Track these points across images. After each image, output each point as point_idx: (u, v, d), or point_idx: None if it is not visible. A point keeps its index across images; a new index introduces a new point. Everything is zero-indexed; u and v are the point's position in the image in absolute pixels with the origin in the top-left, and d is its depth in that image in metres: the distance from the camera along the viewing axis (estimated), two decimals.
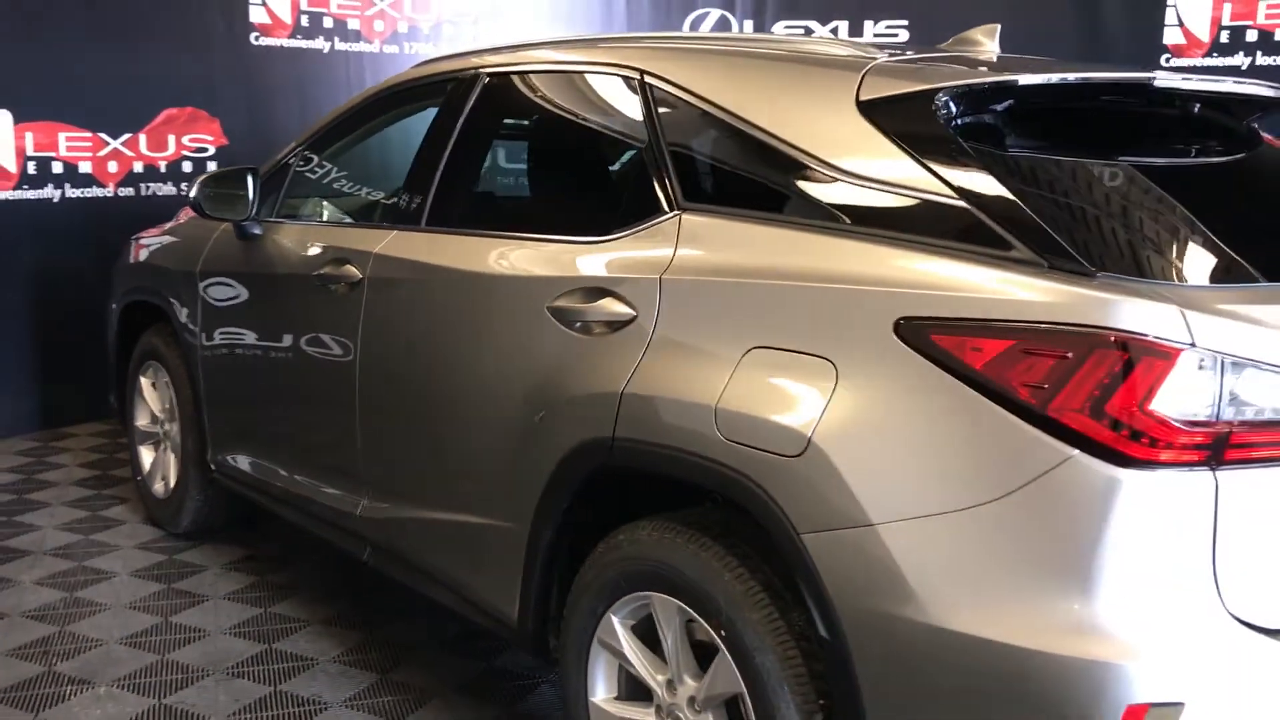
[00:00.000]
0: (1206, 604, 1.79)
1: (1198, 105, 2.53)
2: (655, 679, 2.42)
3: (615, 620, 2.46)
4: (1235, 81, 2.42)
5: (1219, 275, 1.99)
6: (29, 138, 5.76)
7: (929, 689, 1.91)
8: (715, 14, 7.39)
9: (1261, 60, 6.00)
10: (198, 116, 6.37)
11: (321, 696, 3.26)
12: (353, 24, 6.80)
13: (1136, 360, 1.75)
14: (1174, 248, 2.05)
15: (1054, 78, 2.24)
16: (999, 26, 2.76)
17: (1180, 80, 2.33)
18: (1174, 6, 6.29)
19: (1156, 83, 2.28)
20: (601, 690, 2.54)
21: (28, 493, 5.03)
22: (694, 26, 7.40)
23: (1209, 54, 6.18)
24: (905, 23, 7.06)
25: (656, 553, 2.33)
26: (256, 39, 6.49)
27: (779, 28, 7.31)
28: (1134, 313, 1.77)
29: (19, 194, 5.79)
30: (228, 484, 4.07)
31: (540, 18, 7.21)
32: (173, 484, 4.40)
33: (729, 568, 2.20)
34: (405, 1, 6.96)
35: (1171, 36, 6.37)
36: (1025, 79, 2.20)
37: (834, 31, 7.24)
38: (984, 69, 2.41)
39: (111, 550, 4.35)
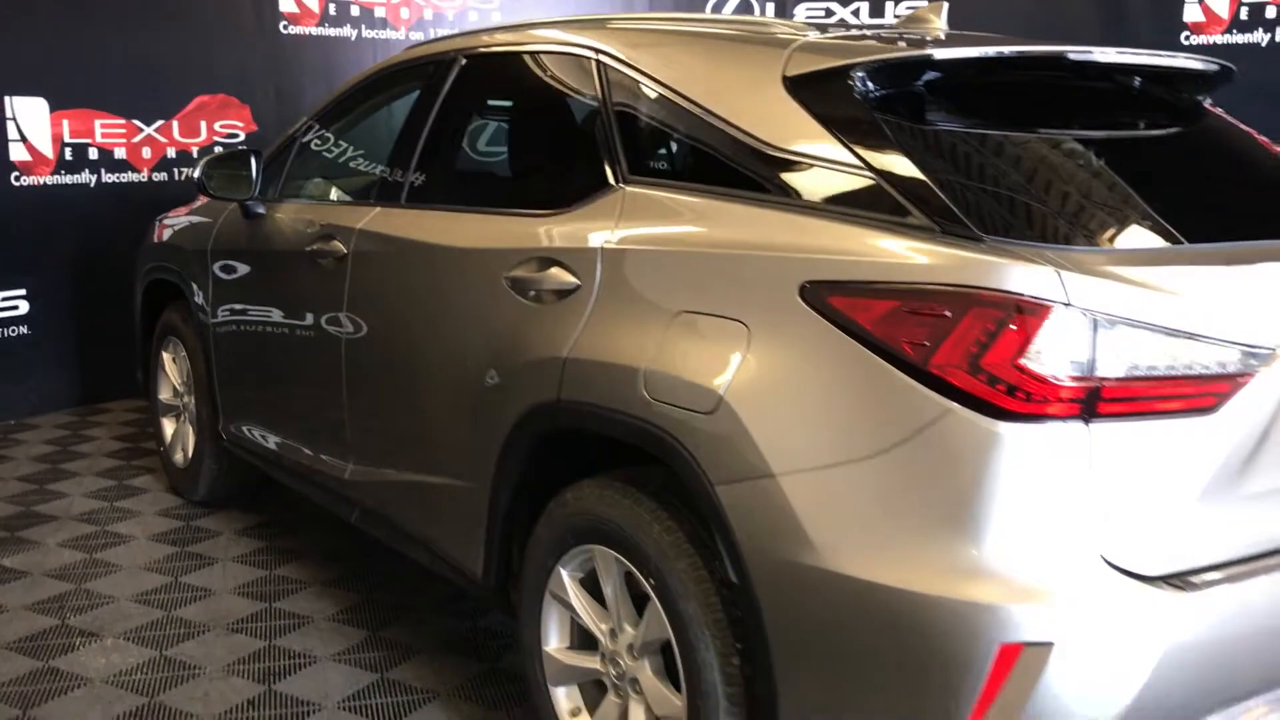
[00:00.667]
0: (1081, 550, 1.88)
1: (1136, 79, 2.62)
2: (600, 628, 2.55)
3: (564, 573, 2.59)
4: (1152, 54, 2.48)
5: (1106, 240, 2.08)
6: (65, 124, 6.01)
7: (826, 629, 2.02)
8: None
9: None
10: (229, 103, 6.59)
11: (312, 651, 3.44)
12: (379, 12, 6.98)
13: (1009, 318, 1.85)
14: (1067, 214, 2.13)
15: (967, 52, 2.33)
16: (946, 4, 2.84)
17: (1101, 54, 2.40)
18: None
19: (1071, 56, 2.35)
20: (554, 640, 2.68)
21: (61, 463, 5.29)
22: (716, 9, 7.49)
23: (1228, 31, 6.16)
24: (926, 4, 7.07)
25: (597, 508, 2.46)
26: (285, 28, 6.70)
27: (800, 10, 7.38)
28: (1009, 273, 1.86)
29: (57, 179, 6.04)
30: (237, 452, 4.27)
31: (562, 3, 7.34)
32: (190, 454, 4.62)
33: (659, 520, 2.32)
34: None
35: (1191, 14, 6.34)
36: (938, 53, 2.29)
37: (855, 14, 7.29)
38: (915, 45, 2.49)
39: (133, 516, 4.58)
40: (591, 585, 2.58)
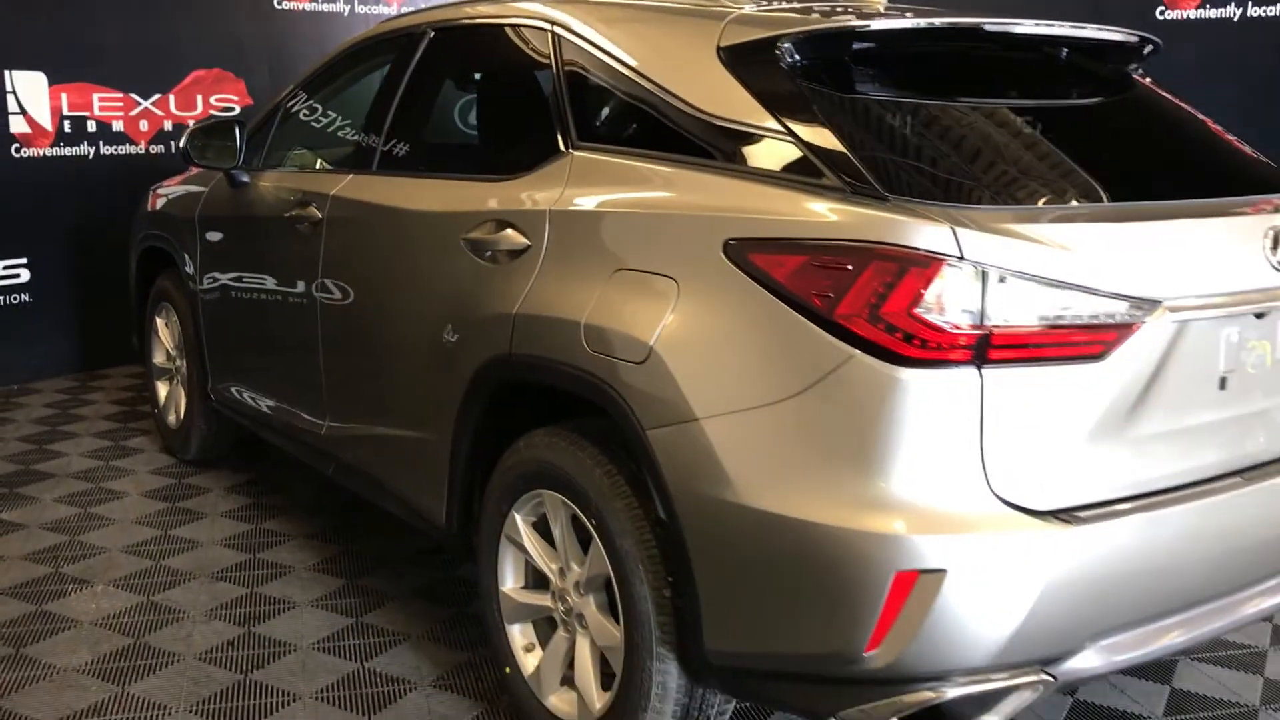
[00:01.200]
0: (973, 486, 2.04)
1: (1062, 51, 2.76)
2: (550, 568, 2.72)
3: (518, 517, 2.76)
4: (1071, 26, 2.61)
5: (1008, 200, 2.22)
6: (64, 98, 6.17)
7: (745, 561, 2.19)
8: None
9: (1253, 11, 6.07)
10: (224, 77, 6.75)
11: (292, 597, 3.62)
12: None
13: (905, 271, 2.00)
14: (972, 176, 2.27)
15: (885, 24, 2.47)
16: None
17: (1018, 26, 2.53)
18: None
19: (988, 28, 2.49)
20: (510, 580, 2.85)
21: (61, 425, 5.48)
22: None
23: (1202, 6, 6.26)
24: None
25: (547, 455, 2.63)
26: (279, 3, 6.85)
27: None
28: (906, 229, 2.02)
29: (56, 150, 6.21)
30: (225, 412, 4.45)
31: None
32: (182, 415, 4.80)
33: (600, 465, 2.49)
34: None
35: None
36: (858, 25, 2.44)
37: None
38: (845, 18, 2.62)
39: (127, 474, 4.76)
40: (543, 529, 2.74)
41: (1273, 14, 5.95)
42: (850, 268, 2.04)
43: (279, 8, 6.85)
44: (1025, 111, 2.57)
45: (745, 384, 2.17)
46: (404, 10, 7.15)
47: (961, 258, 2.00)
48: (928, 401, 2.02)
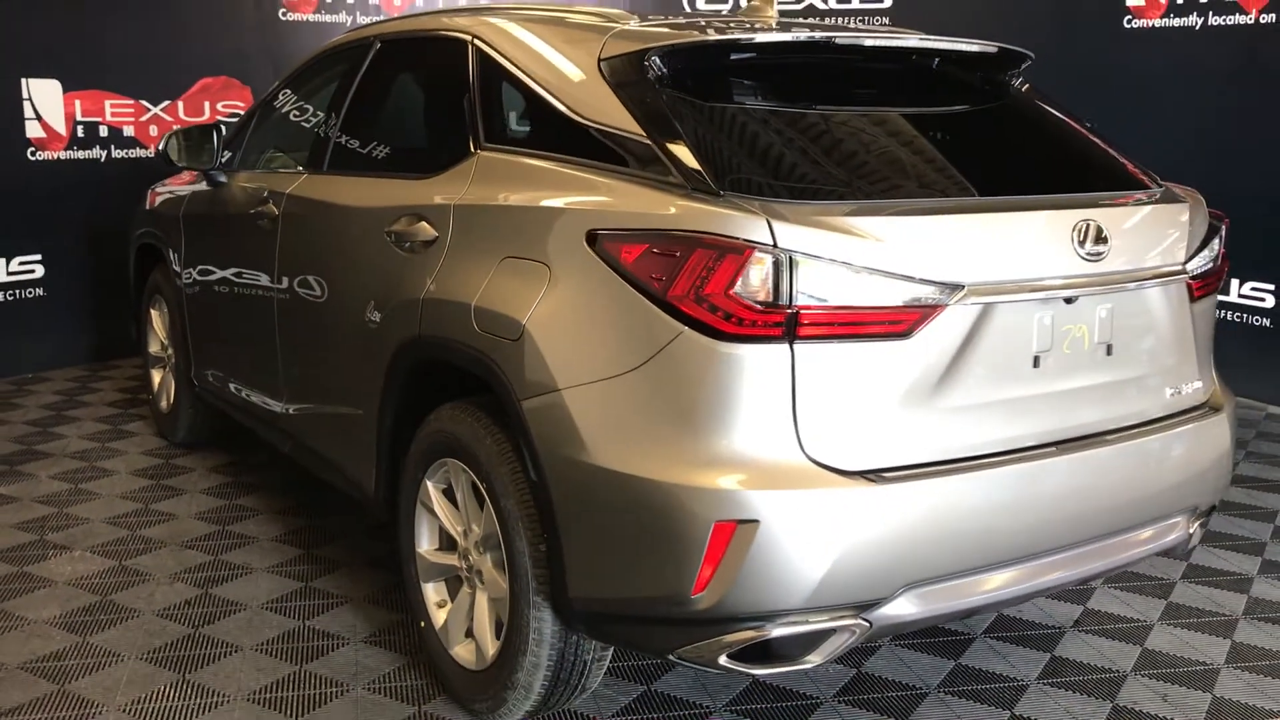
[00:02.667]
0: (787, 447, 2.30)
1: (934, 61, 3.00)
2: (456, 530, 3.00)
3: (429, 484, 3.05)
4: (921, 38, 2.85)
5: (827, 195, 2.48)
6: (77, 104, 6.56)
7: (598, 514, 2.45)
8: None
9: (1214, 20, 6.24)
10: (231, 85, 7.11)
11: (251, 564, 3.93)
12: None
13: (723, 257, 2.26)
14: (799, 175, 2.54)
15: (739, 38, 2.73)
16: None
17: (871, 39, 2.79)
18: None
19: (837, 40, 2.75)
20: (425, 543, 3.13)
21: (66, 410, 5.85)
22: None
23: (1165, 15, 6.44)
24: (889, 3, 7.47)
25: (450, 427, 2.91)
26: (284, 14, 7.20)
27: None
28: (726, 221, 2.28)
29: (69, 154, 6.60)
30: (206, 397, 4.78)
31: None
32: (172, 400, 5.14)
33: (491, 434, 2.77)
34: None
35: None
36: (714, 39, 2.71)
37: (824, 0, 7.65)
38: (718, 32, 2.89)
39: (120, 455, 5.11)
40: (452, 495, 3.02)
41: (1231, 22, 6.13)
42: (679, 254, 2.31)
43: (284, 19, 7.20)
44: (871, 117, 2.81)
45: (599, 358, 2.44)
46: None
47: (774, 245, 2.26)
48: (744, 372, 2.28)
